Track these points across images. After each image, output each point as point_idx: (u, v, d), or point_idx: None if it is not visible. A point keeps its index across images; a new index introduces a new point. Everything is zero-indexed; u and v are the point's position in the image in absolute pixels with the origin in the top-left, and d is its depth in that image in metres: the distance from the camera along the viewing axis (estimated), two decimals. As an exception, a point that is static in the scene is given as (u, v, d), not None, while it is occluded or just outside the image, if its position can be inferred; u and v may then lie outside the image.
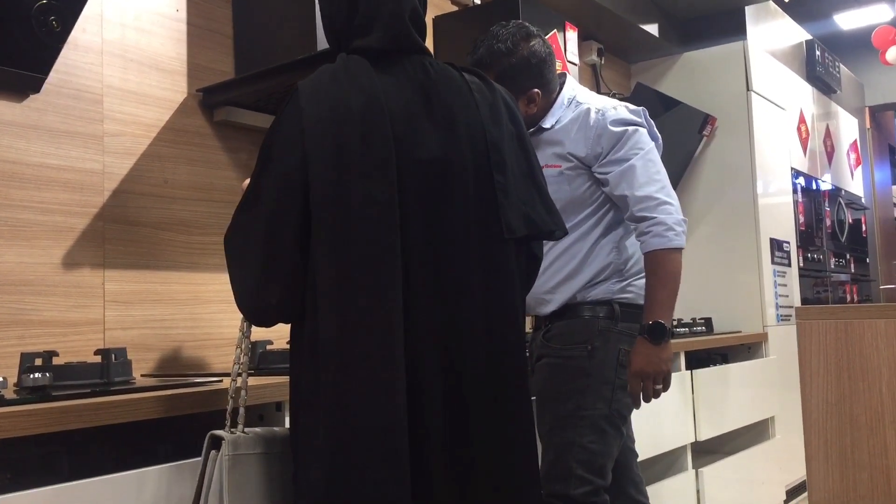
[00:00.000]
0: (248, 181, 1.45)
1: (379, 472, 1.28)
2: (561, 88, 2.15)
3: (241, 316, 1.50)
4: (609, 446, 2.02)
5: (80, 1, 1.92)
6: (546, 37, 2.16)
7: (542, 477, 2.03)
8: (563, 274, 2.07)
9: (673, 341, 3.13)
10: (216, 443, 1.43)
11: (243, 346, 1.52)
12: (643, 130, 2.08)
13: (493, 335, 1.42)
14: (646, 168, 2.01)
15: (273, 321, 1.47)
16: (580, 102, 2.12)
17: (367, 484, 1.28)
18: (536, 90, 2.09)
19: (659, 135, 2.16)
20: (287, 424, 1.60)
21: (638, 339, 1.98)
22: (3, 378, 1.49)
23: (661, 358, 1.97)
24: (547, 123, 2.12)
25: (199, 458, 1.45)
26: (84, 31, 2.06)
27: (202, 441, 1.45)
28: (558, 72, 2.19)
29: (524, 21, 2.17)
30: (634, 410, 2.09)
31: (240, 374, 1.50)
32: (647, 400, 2.01)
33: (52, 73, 1.95)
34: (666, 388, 2.02)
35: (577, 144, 2.07)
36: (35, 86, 1.94)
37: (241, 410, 1.49)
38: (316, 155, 1.33)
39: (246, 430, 1.47)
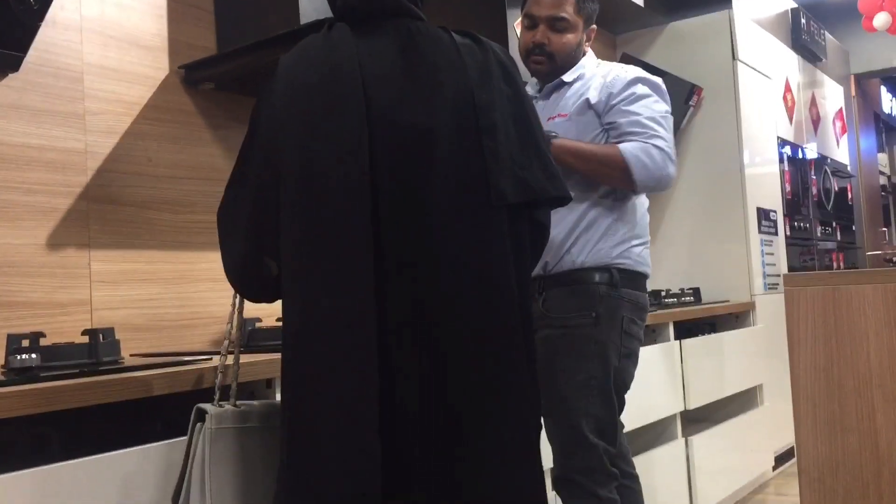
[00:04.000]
0: None
1: (346, 464, 1.24)
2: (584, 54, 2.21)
3: (233, 291, 1.50)
4: (616, 414, 2.05)
5: (57, -23, 1.89)
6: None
7: (557, 452, 2.04)
8: (557, 231, 2.01)
9: (661, 312, 3.16)
10: (201, 416, 1.43)
11: (235, 321, 1.51)
12: (658, 98, 2.11)
13: (483, 308, 1.34)
14: (657, 123, 2.06)
15: (263, 295, 1.47)
16: (603, 65, 2.19)
17: (333, 477, 1.25)
18: (594, 28, 2.19)
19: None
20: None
21: None
22: (-9, 360, 1.48)
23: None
24: (569, 77, 2.16)
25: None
26: (62, 7, 2.03)
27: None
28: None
29: None
30: None
31: (230, 352, 1.50)
32: None
33: (30, 52, 1.92)
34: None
35: (593, 92, 2.10)
36: (14, 64, 1.91)
37: (234, 385, 1.49)
38: (284, 131, 1.33)
39: (240, 403, 1.47)
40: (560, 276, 2.06)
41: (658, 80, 2.16)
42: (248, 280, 1.45)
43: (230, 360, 1.51)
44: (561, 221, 2.03)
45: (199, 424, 1.43)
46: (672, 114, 2.17)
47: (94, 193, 2.07)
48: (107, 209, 2.10)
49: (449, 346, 1.32)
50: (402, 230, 1.31)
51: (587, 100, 2.10)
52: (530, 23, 2.14)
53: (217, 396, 1.48)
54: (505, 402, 1.35)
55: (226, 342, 1.51)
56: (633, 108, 2.06)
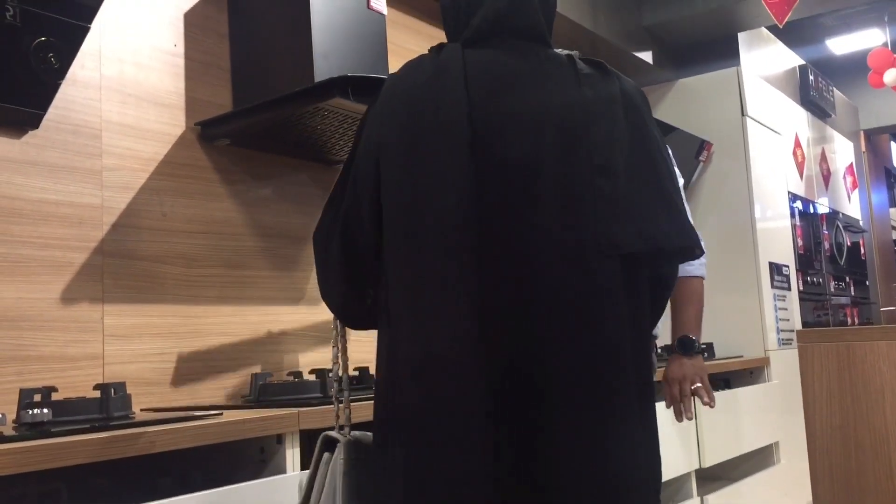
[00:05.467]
0: None
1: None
2: None
3: (332, 315, 1.48)
4: None
5: (78, 37, 1.93)
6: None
7: None
8: None
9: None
10: (330, 446, 1.38)
11: (340, 345, 1.46)
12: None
13: (586, 365, 1.22)
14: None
15: (362, 322, 1.43)
16: None
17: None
18: None
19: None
20: (346, 434, 1.47)
21: (671, 355, 2.06)
22: (3, 414, 1.48)
23: (695, 365, 2.03)
24: None
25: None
26: (83, 66, 2.07)
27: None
28: None
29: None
30: None
31: (339, 377, 1.46)
32: (687, 403, 2.00)
33: (50, 109, 1.96)
34: (709, 392, 2.04)
35: None
36: (34, 122, 1.95)
37: (348, 412, 1.44)
38: (388, 157, 1.26)
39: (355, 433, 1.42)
40: None
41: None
42: (341, 306, 1.42)
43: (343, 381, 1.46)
44: None
45: (325, 454, 1.37)
46: (682, 169, 2.19)
47: (109, 248, 2.09)
48: (121, 263, 2.11)
49: (543, 410, 1.21)
50: (500, 272, 1.21)
51: None
52: None
53: (337, 425, 1.43)
54: (606, 476, 1.24)
55: (334, 366, 1.46)
56: None
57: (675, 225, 1.31)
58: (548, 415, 1.21)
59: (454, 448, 1.19)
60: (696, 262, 2.08)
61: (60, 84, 1.94)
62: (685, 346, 2.06)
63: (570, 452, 1.22)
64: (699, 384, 2.05)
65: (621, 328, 1.25)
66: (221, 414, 1.71)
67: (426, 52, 1.37)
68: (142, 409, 2.05)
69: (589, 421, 1.23)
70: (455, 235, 1.20)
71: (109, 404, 1.69)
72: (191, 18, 2.37)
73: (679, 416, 2.05)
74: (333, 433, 1.40)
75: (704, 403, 2.05)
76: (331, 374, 1.49)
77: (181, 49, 2.33)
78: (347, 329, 1.50)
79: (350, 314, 1.43)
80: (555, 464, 1.21)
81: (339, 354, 1.47)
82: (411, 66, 1.33)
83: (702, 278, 2.12)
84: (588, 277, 1.23)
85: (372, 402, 1.40)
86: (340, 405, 1.46)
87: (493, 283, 1.20)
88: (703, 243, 2.02)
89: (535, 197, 1.22)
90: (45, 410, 1.51)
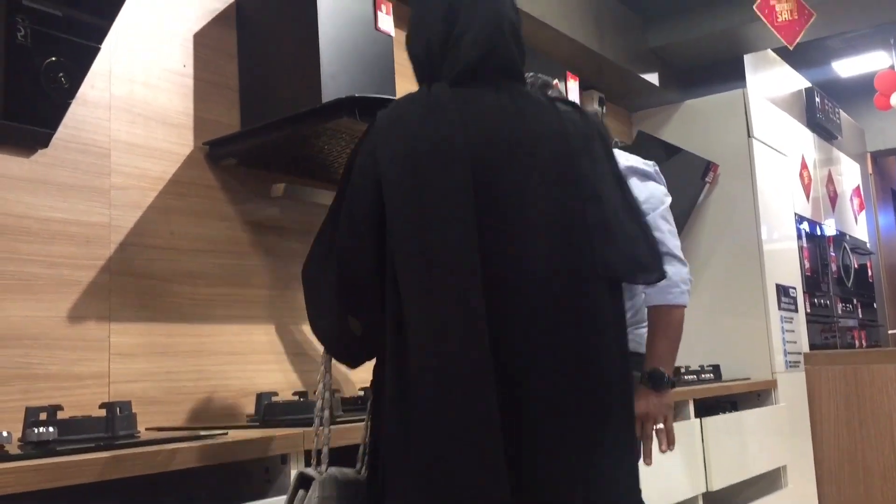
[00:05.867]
0: None
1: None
2: None
3: (322, 349, 1.49)
4: None
5: (88, 58, 1.95)
6: (549, 86, 2.19)
7: None
8: None
9: (681, 389, 3.12)
10: (304, 482, 1.39)
11: (325, 381, 1.47)
12: (656, 184, 2.09)
13: (583, 384, 1.30)
14: (658, 223, 2.03)
15: (352, 355, 1.45)
16: None
17: None
18: None
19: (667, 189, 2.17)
20: (322, 472, 1.48)
21: (639, 388, 1.97)
22: (8, 433, 1.48)
23: (662, 402, 1.97)
24: None
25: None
26: (93, 86, 2.09)
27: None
28: None
29: (537, 73, 2.18)
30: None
31: (322, 411, 1.46)
32: (647, 445, 1.97)
33: (60, 128, 1.97)
34: (670, 435, 2.00)
35: None
36: (44, 141, 1.96)
37: (325, 450, 1.44)
38: (391, 192, 1.30)
39: (333, 469, 1.43)
40: None
41: (649, 163, 2.13)
42: (335, 339, 1.43)
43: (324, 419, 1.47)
44: None
45: (301, 492, 1.38)
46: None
47: (117, 266, 2.10)
48: (128, 282, 2.12)
49: (535, 433, 1.27)
50: (498, 299, 1.27)
51: None
52: None
53: (314, 462, 1.43)
54: (596, 490, 1.30)
55: (318, 402, 1.47)
56: None
57: (652, 253, 1.44)
58: (542, 431, 1.28)
59: (472, 458, 1.23)
60: (677, 290, 1.98)
61: (70, 104, 1.96)
62: (654, 380, 1.96)
63: (561, 471, 1.28)
64: (661, 425, 1.99)
65: (611, 346, 1.35)
66: (226, 433, 1.71)
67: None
68: (147, 428, 2.05)
69: (582, 440, 1.30)
70: (462, 260, 1.26)
71: (115, 423, 1.68)
72: (200, 39, 2.39)
73: (644, 458, 2.00)
74: (309, 470, 1.41)
75: (661, 450, 2.00)
76: (316, 409, 1.49)
77: (190, 69, 2.35)
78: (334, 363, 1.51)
79: (343, 345, 1.44)
80: (548, 479, 1.28)
81: (325, 392, 1.48)
82: (403, 104, 1.38)
83: (683, 307, 2.01)
84: (583, 299, 1.32)
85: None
86: (322, 434, 1.47)
87: (496, 307, 1.27)
88: (687, 267, 2.02)
89: (530, 225, 1.31)
90: (51, 429, 1.51)
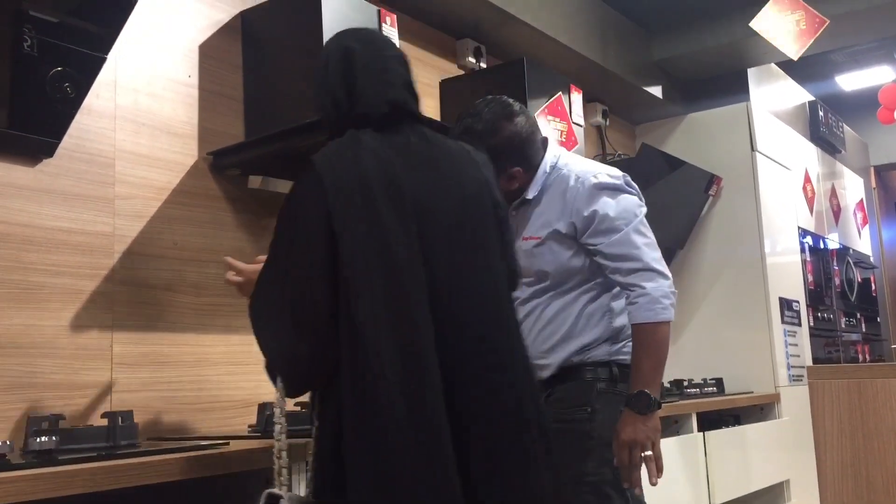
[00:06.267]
0: (262, 257, 1.51)
1: None
2: (543, 154, 2.10)
3: (277, 377, 1.49)
4: None
5: (94, 68, 1.96)
6: (551, 99, 2.17)
7: None
8: (557, 337, 2.03)
9: (684, 402, 3.11)
10: (273, 500, 1.40)
11: (281, 406, 1.50)
12: (628, 197, 2.03)
13: (506, 384, 1.47)
14: (633, 238, 1.98)
15: (308, 381, 1.46)
16: (560, 168, 2.08)
17: None
18: (518, 168, 2.06)
19: (642, 198, 2.10)
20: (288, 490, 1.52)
21: (624, 411, 1.94)
22: (10, 442, 1.48)
23: (648, 426, 1.92)
24: (530, 194, 2.08)
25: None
26: (98, 96, 2.10)
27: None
28: (544, 137, 2.13)
29: (507, 98, 2.09)
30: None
31: (281, 435, 1.49)
32: (634, 470, 1.94)
33: (65, 138, 1.98)
34: (658, 462, 1.96)
35: (557, 217, 2.03)
36: (49, 150, 1.97)
37: (284, 471, 1.48)
38: (342, 218, 1.38)
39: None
40: (562, 373, 2.04)
41: (617, 176, 2.06)
42: (290, 363, 1.45)
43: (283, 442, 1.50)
44: (558, 316, 2.04)
45: None
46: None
47: (120, 276, 2.10)
48: (131, 291, 2.12)
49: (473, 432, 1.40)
50: (444, 310, 1.42)
51: (556, 230, 2.03)
52: None
53: (278, 482, 1.45)
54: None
55: (277, 426, 1.49)
56: (605, 238, 1.98)
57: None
58: (478, 436, 1.40)
59: (426, 461, 1.31)
60: (659, 306, 1.92)
61: (76, 114, 1.97)
62: (639, 403, 1.90)
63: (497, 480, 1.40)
64: (649, 452, 1.93)
65: (523, 345, 1.56)
66: (228, 444, 1.71)
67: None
68: (148, 438, 2.05)
69: (512, 449, 1.44)
70: (409, 279, 1.40)
71: (116, 433, 1.68)
72: (205, 50, 2.40)
73: (627, 483, 1.96)
74: (275, 490, 1.43)
75: (652, 483, 1.93)
76: (275, 432, 1.50)
77: (195, 80, 2.36)
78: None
79: (296, 364, 1.45)
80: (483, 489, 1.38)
81: (282, 418, 1.50)
82: (335, 146, 1.48)
83: (667, 323, 1.94)
84: (506, 305, 1.53)
85: None
86: (282, 455, 1.50)
87: (441, 317, 1.41)
88: (670, 280, 1.99)
89: (459, 245, 1.49)
90: (53, 438, 1.51)
